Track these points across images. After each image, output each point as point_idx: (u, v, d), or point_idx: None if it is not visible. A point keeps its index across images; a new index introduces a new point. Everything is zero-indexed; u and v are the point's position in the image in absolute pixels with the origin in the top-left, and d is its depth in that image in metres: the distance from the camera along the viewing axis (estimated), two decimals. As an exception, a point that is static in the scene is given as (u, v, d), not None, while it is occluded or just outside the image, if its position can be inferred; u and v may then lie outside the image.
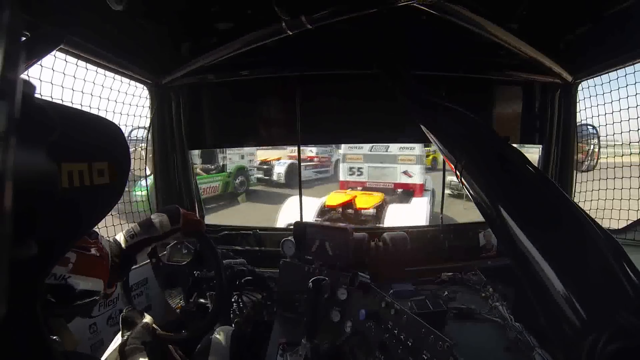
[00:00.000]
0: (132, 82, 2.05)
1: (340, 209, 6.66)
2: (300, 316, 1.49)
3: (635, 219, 2.09)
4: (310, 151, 12.82)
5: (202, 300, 1.48)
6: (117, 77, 1.92)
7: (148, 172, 2.31)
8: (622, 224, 2.12)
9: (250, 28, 1.69)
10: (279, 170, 11.87)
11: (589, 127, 2.25)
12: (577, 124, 2.27)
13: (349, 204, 6.77)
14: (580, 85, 2.18)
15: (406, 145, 7.92)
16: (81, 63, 1.64)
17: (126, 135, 2.08)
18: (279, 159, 12.98)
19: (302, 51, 1.92)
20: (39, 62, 1.39)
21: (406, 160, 8.02)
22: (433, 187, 8.61)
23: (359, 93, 2.26)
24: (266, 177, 12.38)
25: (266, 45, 1.74)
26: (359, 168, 8.17)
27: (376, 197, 7.11)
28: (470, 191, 1.00)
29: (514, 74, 2.20)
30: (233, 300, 1.65)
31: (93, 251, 0.93)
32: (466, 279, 1.92)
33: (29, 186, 0.39)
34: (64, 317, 0.96)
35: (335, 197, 6.95)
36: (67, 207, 0.51)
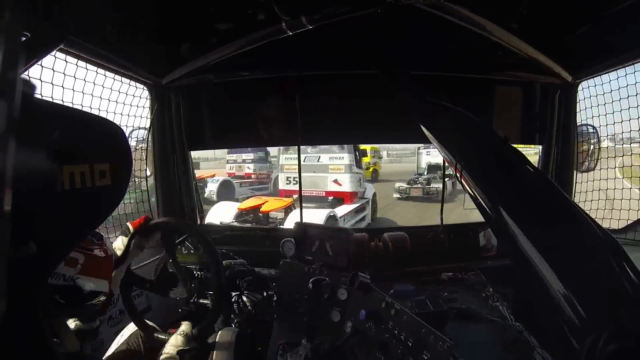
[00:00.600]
0: (132, 83, 2.05)
1: (252, 212, 7.64)
2: (300, 316, 1.49)
3: (635, 219, 2.09)
4: (247, 168, 12.39)
5: (202, 301, 1.48)
6: (117, 77, 1.92)
7: (148, 173, 2.31)
8: (623, 224, 2.12)
9: (250, 28, 1.69)
10: (211, 188, 11.14)
11: (588, 127, 2.25)
12: (578, 125, 2.27)
13: (257, 208, 7.76)
14: (580, 85, 2.18)
15: (336, 155, 8.53)
16: (81, 63, 1.64)
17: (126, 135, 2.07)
18: (213, 175, 12.35)
19: (302, 51, 1.92)
20: (39, 63, 1.39)
21: (336, 170, 8.57)
22: (373, 197, 9.33)
23: (359, 93, 2.26)
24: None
25: (266, 45, 1.74)
26: (294, 177, 8.61)
27: (284, 202, 8.02)
28: (470, 191, 1.00)
29: (514, 74, 2.20)
30: (233, 300, 1.65)
31: (99, 252, 0.95)
32: (466, 279, 1.92)
33: (28, 186, 0.39)
34: (80, 320, 0.97)
35: (248, 202, 8.04)
36: (69, 208, 0.51)
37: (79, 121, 0.59)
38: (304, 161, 8.60)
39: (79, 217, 0.54)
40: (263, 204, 7.88)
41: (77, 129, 0.54)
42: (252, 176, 12.35)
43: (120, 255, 1.26)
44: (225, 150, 12.83)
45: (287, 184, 8.81)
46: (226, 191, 11.09)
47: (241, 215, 7.46)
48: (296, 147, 8.67)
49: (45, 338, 0.52)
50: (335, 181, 8.57)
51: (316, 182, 8.60)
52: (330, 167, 8.59)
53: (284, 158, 8.89)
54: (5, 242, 0.32)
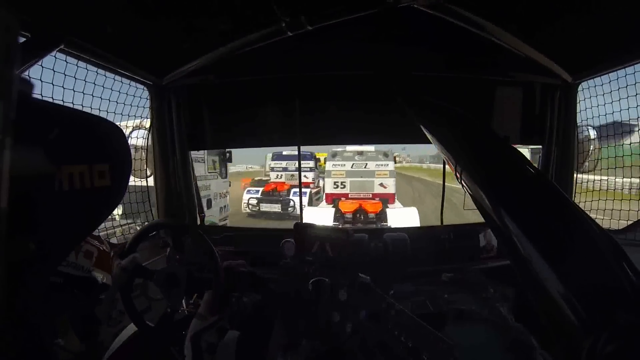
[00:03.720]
0: (132, 83, 2.05)
1: (351, 214, 9.00)
2: (300, 317, 1.49)
3: (635, 219, 2.08)
4: (305, 177, 11.53)
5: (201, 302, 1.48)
6: (118, 77, 1.92)
7: (148, 173, 2.31)
8: (623, 224, 2.11)
9: (250, 29, 1.70)
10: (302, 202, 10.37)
11: (589, 127, 2.25)
12: (578, 125, 2.27)
13: (358, 210, 9.10)
14: (580, 85, 2.18)
15: (381, 163, 10.13)
16: (81, 64, 1.64)
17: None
18: (288, 187, 11.15)
19: (302, 52, 1.92)
20: (39, 63, 1.39)
21: (382, 175, 10.09)
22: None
23: (359, 94, 2.26)
24: (283, 211, 10.41)
25: (266, 46, 1.74)
26: (342, 182, 9.96)
27: (379, 204, 9.33)
28: (470, 192, 1.00)
29: (514, 75, 2.20)
30: (233, 301, 1.65)
31: (104, 247, 0.98)
32: (466, 280, 1.92)
33: (26, 186, 0.39)
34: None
35: (346, 205, 9.23)
36: (68, 209, 0.50)
37: (78, 122, 0.59)
38: (351, 167, 10.08)
39: (78, 218, 0.54)
40: (359, 206, 9.10)
41: (76, 130, 0.54)
42: (311, 185, 11.65)
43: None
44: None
45: (334, 188, 10.10)
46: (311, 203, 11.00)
47: (339, 218, 8.69)
48: (343, 154, 9.89)
49: (44, 338, 0.52)
50: (381, 184, 9.95)
51: (364, 185, 9.99)
52: (376, 173, 10.01)
53: (331, 165, 10.23)
54: (1, 241, 0.32)
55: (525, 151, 2.46)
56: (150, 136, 2.25)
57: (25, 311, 0.46)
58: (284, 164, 11.88)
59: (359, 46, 1.92)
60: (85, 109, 1.72)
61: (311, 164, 12.23)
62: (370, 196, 9.81)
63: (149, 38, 1.68)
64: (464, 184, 1.04)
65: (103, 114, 1.90)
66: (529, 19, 1.59)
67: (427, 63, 2.06)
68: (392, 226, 6.64)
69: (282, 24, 1.55)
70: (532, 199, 0.78)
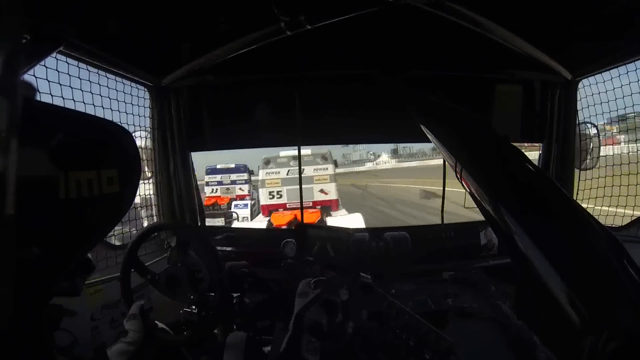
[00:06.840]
0: (133, 84, 2.05)
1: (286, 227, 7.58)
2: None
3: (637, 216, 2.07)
4: (240, 189, 11.04)
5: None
6: (119, 79, 1.92)
7: (148, 175, 2.31)
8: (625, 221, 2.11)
9: (250, 29, 1.70)
10: (244, 214, 9.54)
11: (589, 125, 2.25)
12: (578, 122, 2.27)
13: (294, 221, 7.64)
14: (580, 83, 2.18)
15: (320, 166, 8.82)
16: (81, 65, 1.64)
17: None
18: (228, 200, 10.70)
19: (302, 52, 1.92)
20: (41, 63, 1.39)
21: (321, 180, 8.72)
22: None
23: (359, 93, 2.26)
24: (227, 224, 9.36)
25: (266, 46, 1.74)
26: (278, 192, 8.72)
27: (316, 213, 8.15)
28: (470, 190, 1.00)
29: (514, 73, 2.20)
30: (235, 301, 1.65)
31: None
32: (468, 278, 1.92)
33: (32, 192, 0.39)
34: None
35: (279, 218, 7.72)
36: (76, 217, 0.49)
37: (85, 125, 0.57)
38: (287, 174, 8.68)
39: (86, 227, 0.52)
40: (295, 217, 7.89)
41: (83, 134, 0.52)
42: (246, 197, 10.99)
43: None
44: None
45: (270, 198, 8.76)
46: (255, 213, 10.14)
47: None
48: (277, 160, 8.64)
49: (48, 345, 0.52)
50: (322, 190, 8.74)
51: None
52: (315, 178, 8.68)
53: (265, 173, 8.80)
54: (11, 244, 0.32)
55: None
56: (150, 138, 2.25)
57: (27, 313, 0.46)
58: (218, 177, 11.25)
59: (359, 45, 1.92)
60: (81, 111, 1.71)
61: (245, 176, 11.39)
62: (311, 204, 8.70)
63: (149, 39, 1.67)
64: (464, 182, 1.04)
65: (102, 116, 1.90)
66: (528, 16, 1.59)
67: (427, 61, 2.06)
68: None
69: (281, 24, 1.55)
70: (532, 197, 0.78)
